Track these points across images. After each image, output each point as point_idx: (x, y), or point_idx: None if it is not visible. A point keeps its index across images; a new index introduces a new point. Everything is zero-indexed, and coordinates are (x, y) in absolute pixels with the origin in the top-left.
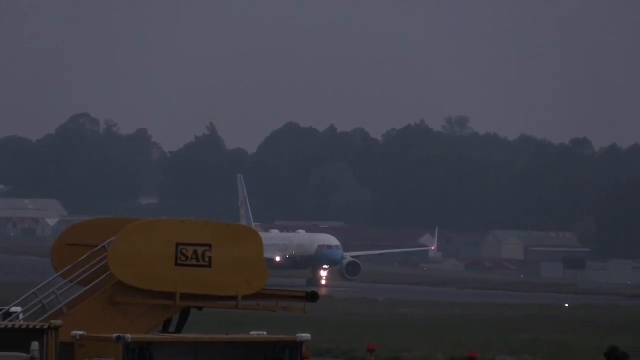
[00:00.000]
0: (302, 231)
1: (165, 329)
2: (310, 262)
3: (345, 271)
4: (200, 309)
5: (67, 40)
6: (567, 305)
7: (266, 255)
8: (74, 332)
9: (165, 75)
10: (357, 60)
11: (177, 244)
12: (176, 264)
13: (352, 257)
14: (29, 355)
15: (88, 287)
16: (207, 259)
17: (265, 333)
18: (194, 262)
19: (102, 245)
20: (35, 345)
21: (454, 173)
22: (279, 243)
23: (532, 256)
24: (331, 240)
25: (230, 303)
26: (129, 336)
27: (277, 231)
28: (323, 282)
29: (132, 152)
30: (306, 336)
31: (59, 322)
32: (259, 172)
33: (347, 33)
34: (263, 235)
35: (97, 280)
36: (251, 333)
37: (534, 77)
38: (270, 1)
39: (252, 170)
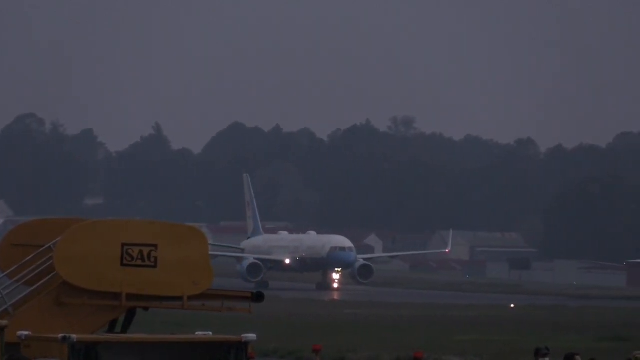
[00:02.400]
0: (312, 232)
1: (111, 329)
2: (321, 264)
3: (358, 274)
4: (146, 309)
5: (13, 40)
6: (512, 305)
7: (275, 257)
8: (20, 332)
9: (110, 75)
10: (302, 60)
11: (123, 244)
12: (122, 264)
13: (364, 259)
14: None
15: (34, 287)
16: (152, 259)
17: (210, 333)
18: (139, 262)
19: (47, 245)
20: None
21: (399, 173)
22: (288, 245)
23: (477, 256)
24: (344, 242)
25: (176, 303)
26: (74, 336)
27: (285, 233)
28: (335, 285)
29: (78, 153)
30: (252, 336)
31: (4, 322)
32: (204, 172)
33: (291, 32)
34: (272, 237)
35: (43, 281)
36: (196, 333)
37: (479, 77)
38: (217, 3)
39: (198, 170)
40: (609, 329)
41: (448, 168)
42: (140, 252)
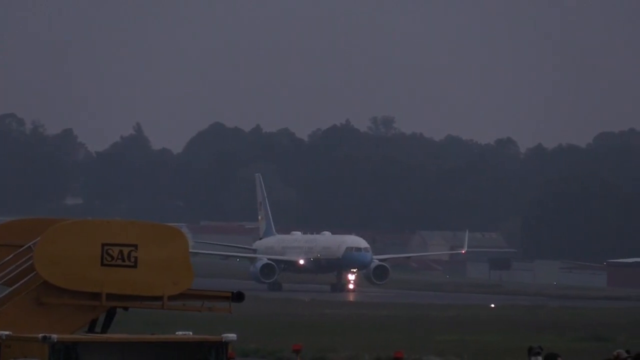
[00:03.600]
0: (327, 232)
1: (91, 329)
2: (336, 265)
3: (373, 275)
4: (126, 309)
5: None
6: (492, 305)
7: (289, 257)
8: (0, 332)
9: (90, 75)
10: (282, 60)
11: (103, 244)
12: (102, 264)
13: (380, 260)
14: None
15: (14, 287)
16: (132, 259)
17: (191, 333)
18: (119, 262)
19: (27, 245)
20: None
21: (379, 173)
22: (302, 245)
23: (457, 256)
24: (360, 242)
25: (156, 303)
26: (55, 336)
27: (299, 233)
28: (350, 286)
29: (58, 153)
30: (232, 336)
31: None
32: (184, 172)
33: (271, 32)
34: (285, 237)
35: (23, 281)
36: (177, 333)
37: (459, 77)
38: (197, 4)
39: (178, 170)
40: (589, 329)
41: (428, 168)
42: (121, 252)
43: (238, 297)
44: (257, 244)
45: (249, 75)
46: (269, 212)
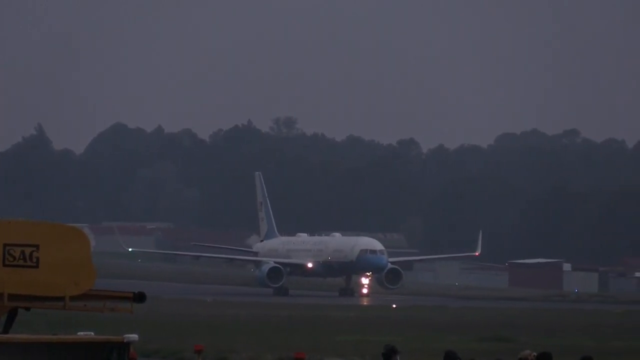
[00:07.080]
0: (337, 234)
1: None
2: (349, 268)
3: (385, 279)
4: (27, 309)
5: None
6: (394, 306)
7: (298, 260)
8: None
9: None
10: (183, 60)
11: (5, 244)
12: (3, 265)
13: (392, 263)
14: None
15: None
16: (34, 260)
17: (92, 333)
18: (21, 262)
19: None
20: None
21: (280, 174)
22: (311, 248)
23: None
24: (374, 244)
25: (58, 303)
26: None
27: (305, 234)
28: (364, 291)
29: None
30: (133, 337)
31: None
32: (85, 172)
33: (174, 32)
34: (290, 239)
35: None
36: (78, 333)
37: (358, 77)
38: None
39: (79, 171)
40: (490, 329)
41: (329, 168)
42: (22, 252)
43: (140, 297)
44: (259, 246)
45: (151, 76)
46: (271, 212)
